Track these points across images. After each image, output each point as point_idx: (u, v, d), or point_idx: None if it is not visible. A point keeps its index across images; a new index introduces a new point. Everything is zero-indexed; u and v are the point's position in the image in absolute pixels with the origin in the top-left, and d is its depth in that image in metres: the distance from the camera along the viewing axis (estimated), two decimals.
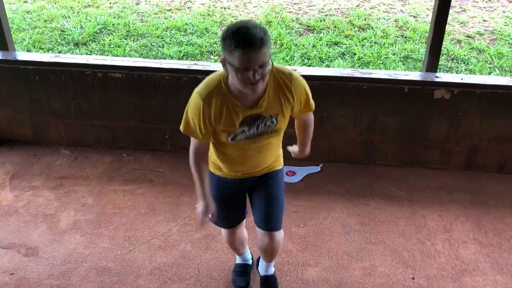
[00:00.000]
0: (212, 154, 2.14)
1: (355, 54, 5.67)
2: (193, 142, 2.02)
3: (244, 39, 1.66)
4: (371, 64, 5.48)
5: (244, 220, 2.39)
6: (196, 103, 1.88)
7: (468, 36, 6.17)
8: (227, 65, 1.75)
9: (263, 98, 1.89)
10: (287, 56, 5.61)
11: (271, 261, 2.50)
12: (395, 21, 6.60)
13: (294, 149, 2.38)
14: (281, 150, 2.24)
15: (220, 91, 1.86)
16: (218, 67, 3.68)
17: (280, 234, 2.26)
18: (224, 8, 7.08)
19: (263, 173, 2.18)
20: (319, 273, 2.69)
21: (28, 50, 5.76)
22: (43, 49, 5.84)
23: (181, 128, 1.98)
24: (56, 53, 5.59)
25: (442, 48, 3.75)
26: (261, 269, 2.57)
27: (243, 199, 2.29)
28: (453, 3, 6.61)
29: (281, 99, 1.92)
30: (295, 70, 3.43)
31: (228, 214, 2.29)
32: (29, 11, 6.91)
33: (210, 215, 2.10)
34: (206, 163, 2.09)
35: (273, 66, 1.83)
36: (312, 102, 2.07)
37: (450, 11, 3.74)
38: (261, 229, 2.22)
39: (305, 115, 2.14)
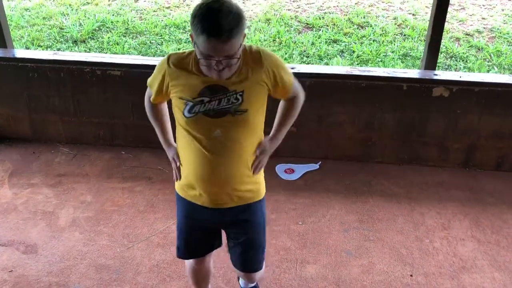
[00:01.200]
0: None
1: (354, 51, 5.67)
2: (148, 92, 1.96)
3: (210, 28, 1.49)
4: (370, 61, 5.49)
5: (212, 252, 2.08)
6: (162, 61, 1.78)
7: (467, 34, 6.18)
8: (195, 42, 1.59)
9: (235, 74, 1.68)
10: (286, 53, 5.61)
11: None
12: (394, 19, 6.60)
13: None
14: (262, 173, 1.91)
15: (189, 58, 1.71)
16: None
17: (260, 272, 2.06)
18: None
19: (237, 203, 1.84)
20: (318, 270, 2.69)
21: (27, 48, 5.75)
22: (41, 46, 5.83)
23: (148, 80, 1.91)
24: (54, 50, 5.59)
25: (441, 46, 3.75)
26: (242, 282, 2.36)
27: (215, 233, 2.00)
28: (452, 1, 6.61)
29: (252, 77, 1.69)
30: (293, 68, 3.44)
31: (193, 244, 2.00)
32: (27, 9, 6.90)
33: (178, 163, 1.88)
34: (163, 113, 1.99)
35: (246, 45, 1.68)
36: (288, 80, 1.79)
37: (449, 9, 3.75)
38: (238, 270, 2.04)
39: (285, 96, 1.86)
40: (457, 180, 3.49)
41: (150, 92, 1.92)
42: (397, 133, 3.54)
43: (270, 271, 2.66)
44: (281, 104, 1.95)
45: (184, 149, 1.81)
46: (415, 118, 3.50)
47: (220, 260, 2.74)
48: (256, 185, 1.88)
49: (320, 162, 3.66)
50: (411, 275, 2.68)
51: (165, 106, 1.99)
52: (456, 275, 2.69)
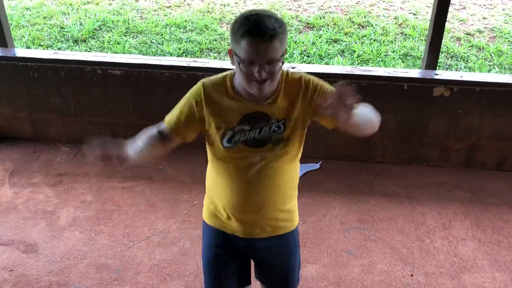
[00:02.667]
0: (208, 194, 1.79)
1: (354, 51, 5.66)
2: (159, 126, 1.72)
3: (253, 28, 1.42)
4: (370, 61, 5.48)
5: None
6: (195, 88, 1.64)
7: (467, 34, 6.17)
8: (234, 56, 1.50)
9: (273, 97, 1.59)
10: (286, 53, 5.60)
11: None
12: (395, 18, 6.60)
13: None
14: (296, 203, 1.80)
15: (225, 83, 1.62)
16: (217, 64, 3.68)
17: None
18: (224, 5, 7.06)
19: (270, 234, 1.73)
20: (318, 270, 2.69)
21: (28, 47, 5.75)
22: (42, 46, 5.83)
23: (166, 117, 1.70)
24: (55, 50, 5.59)
25: (442, 45, 3.75)
26: None
27: (245, 268, 1.82)
28: (453, 0, 6.60)
29: (292, 103, 1.60)
30: (294, 67, 3.44)
31: (222, 277, 1.80)
32: (28, 8, 6.90)
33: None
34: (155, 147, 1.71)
35: (286, 70, 1.60)
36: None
37: (450, 9, 3.74)
38: None
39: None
40: (458, 180, 3.48)
41: (162, 125, 1.70)
42: (398, 133, 3.54)
43: None
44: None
45: (218, 176, 1.70)
46: (416, 118, 3.49)
47: None
48: (290, 214, 1.77)
49: (320, 162, 3.66)
50: (411, 275, 2.68)
51: (164, 145, 1.73)
52: (456, 275, 2.69)
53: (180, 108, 1.67)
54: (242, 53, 1.46)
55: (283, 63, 1.52)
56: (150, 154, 1.73)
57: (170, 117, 1.70)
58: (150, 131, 1.74)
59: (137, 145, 1.69)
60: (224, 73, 1.65)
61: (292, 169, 1.72)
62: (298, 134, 1.66)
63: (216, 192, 1.74)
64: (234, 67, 1.56)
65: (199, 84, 1.64)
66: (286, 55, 5.52)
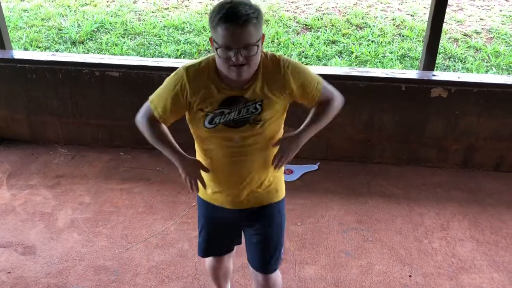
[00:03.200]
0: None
1: (352, 52, 5.67)
2: (146, 109, 1.85)
3: (227, 14, 1.51)
4: (368, 62, 5.49)
5: (233, 252, 2.15)
6: (178, 73, 1.73)
7: (465, 35, 6.19)
8: (213, 43, 1.59)
9: (251, 82, 1.68)
10: (284, 54, 5.61)
11: None
12: (393, 19, 6.61)
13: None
14: (282, 177, 1.94)
15: (206, 69, 1.69)
16: None
17: (275, 276, 2.02)
18: None
19: (256, 204, 1.87)
20: (317, 271, 2.69)
21: (25, 49, 5.75)
22: (40, 47, 5.83)
23: (150, 97, 1.83)
24: (53, 51, 5.58)
25: (439, 46, 3.76)
26: None
27: (234, 231, 2.04)
28: (450, 1, 6.61)
29: (270, 85, 1.69)
30: None
31: (214, 242, 2.05)
32: (26, 10, 6.90)
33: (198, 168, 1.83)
34: (163, 128, 1.85)
35: (265, 53, 1.69)
36: (312, 82, 1.75)
37: (447, 10, 3.75)
38: (254, 269, 2.01)
39: (316, 101, 1.80)
40: (456, 180, 3.49)
41: (149, 110, 1.83)
42: (395, 133, 3.55)
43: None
44: (315, 107, 1.87)
45: (203, 154, 1.83)
46: (414, 119, 3.50)
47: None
48: (273, 186, 1.89)
49: (319, 163, 3.66)
50: (410, 276, 2.68)
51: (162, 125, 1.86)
52: (455, 275, 2.69)
53: (166, 97, 1.76)
54: (219, 38, 1.54)
55: (260, 48, 1.59)
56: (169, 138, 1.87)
57: (156, 104, 1.80)
58: (150, 129, 1.86)
59: (172, 150, 1.85)
60: (205, 57, 1.72)
61: (268, 149, 1.80)
62: (276, 115, 1.75)
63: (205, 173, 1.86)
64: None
65: (182, 70, 1.71)
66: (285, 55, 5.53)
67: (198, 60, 1.73)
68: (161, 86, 1.80)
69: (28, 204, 3.20)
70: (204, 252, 2.08)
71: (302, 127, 1.85)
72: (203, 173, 1.83)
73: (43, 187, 3.37)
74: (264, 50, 1.70)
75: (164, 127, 1.86)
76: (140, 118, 1.88)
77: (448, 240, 2.95)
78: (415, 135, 3.54)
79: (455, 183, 3.46)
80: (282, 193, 1.94)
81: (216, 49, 1.57)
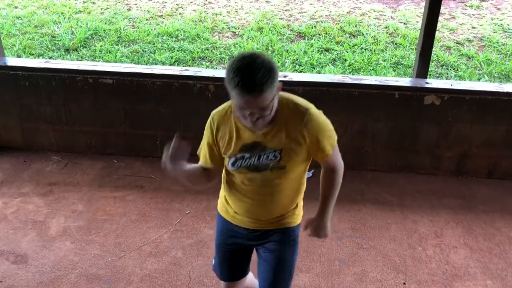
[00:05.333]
0: (222, 193, 2.00)
1: (346, 60, 5.70)
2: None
3: (242, 83, 1.54)
4: (362, 70, 5.52)
5: (247, 276, 2.16)
6: (209, 120, 1.84)
7: (457, 43, 6.24)
8: (230, 95, 1.64)
9: (270, 127, 1.72)
10: (278, 62, 5.63)
11: None
12: (386, 27, 6.66)
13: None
14: (301, 202, 1.99)
15: (229, 113, 1.78)
16: (209, 72, 3.68)
17: None
18: (216, 14, 7.09)
19: (275, 227, 1.93)
20: (311, 279, 2.68)
21: (18, 56, 5.73)
22: (33, 54, 5.81)
23: (198, 151, 1.92)
24: (46, 58, 5.56)
25: (432, 54, 3.78)
26: None
27: (248, 254, 2.07)
28: (442, 10, 6.68)
29: (288, 136, 1.73)
30: (285, 76, 3.45)
31: (229, 266, 2.10)
32: (19, 17, 6.88)
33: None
34: (201, 173, 1.94)
35: (289, 99, 1.74)
36: (327, 147, 1.80)
37: (440, 18, 3.78)
38: None
39: (323, 162, 1.89)
40: (450, 188, 3.50)
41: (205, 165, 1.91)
42: (389, 141, 3.56)
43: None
44: (322, 179, 1.96)
45: (228, 183, 1.91)
46: (407, 126, 3.51)
47: (212, 269, 2.72)
48: (292, 212, 1.95)
49: (313, 170, 3.66)
50: (404, 283, 2.68)
51: (211, 174, 1.96)
52: (449, 282, 2.69)
53: (207, 143, 1.86)
54: (235, 100, 1.60)
55: (274, 101, 1.63)
56: (195, 177, 1.94)
57: (202, 153, 1.90)
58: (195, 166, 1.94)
59: (192, 167, 1.89)
60: (228, 103, 1.79)
61: (296, 183, 1.88)
62: (298, 163, 1.80)
63: (226, 193, 1.95)
64: None
65: (210, 116, 1.83)
66: (278, 64, 5.55)
67: (223, 106, 1.82)
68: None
69: (20, 212, 3.17)
70: (218, 273, 2.14)
71: (320, 208, 1.97)
72: (228, 197, 1.94)
73: (35, 195, 3.35)
74: (293, 97, 1.76)
75: (202, 175, 1.94)
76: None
77: (442, 247, 2.95)
78: (409, 142, 3.55)
79: (448, 190, 3.47)
80: (300, 217, 2.00)
81: (233, 103, 1.63)
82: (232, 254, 2.04)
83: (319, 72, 5.45)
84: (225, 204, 1.98)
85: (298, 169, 1.82)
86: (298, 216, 1.99)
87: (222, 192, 2.00)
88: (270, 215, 1.90)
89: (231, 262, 2.08)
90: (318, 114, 1.77)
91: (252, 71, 1.55)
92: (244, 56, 1.59)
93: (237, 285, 2.15)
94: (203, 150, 1.89)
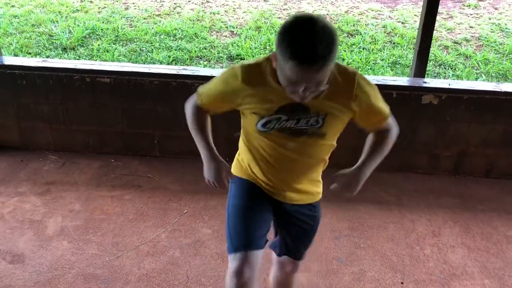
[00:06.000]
0: (242, 155, 1.80)
1: (344, 59, 5.70)
2: (195, 101, 1.76)
3: (302, 55, 1.31)
4: (359, 69, 5.52)
5: (262, 253, 1.79)
6: (232, 71, 1.58)
7: (455, 42, 6.24)
8: (278, 65, 1.42)
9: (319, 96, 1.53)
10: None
11: None
12: (384, 27, 6.66)
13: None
14: (320, 175, 1.87)
15: (264, 70, 1.53)
16: (207, 71, 3.68)
17: (299, 265, 2.02)
18: (214, 13, 7.08)
19: (299, 201, 1.80)
20: (309, 279, 2.68)
21: (15, 55, 5.71)
22: (30, 53, 5.79)
23: (201, 87, 1.72)
24: (43, 57, 5.54)
25: (430, 54, 3.78)
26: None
27: (269, 212, 1.83)
28: (440, 9, 6.67)
29: (338, 103, 1.56)
30: None
31: (256, 228, 1.75)
32: (16, 16, 6.85)
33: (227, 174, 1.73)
34: (207, 120, 1.77)
35: (339, 65, 1.54)
36: (384, 108, 1.68)
37: (438, 18, 3.79)
38: (286, 257, 1.96)
39: (375, 129, 1.75)
40: (447, 187, 3.50)
41: (197, 102, 1.75)
42: None
43: (261, 279, 2.64)
44: (371, 137, 1.81)
45: (251, 148, 1.72)
46: (404, 126, 3.50)
47: (210, 269, 2.72)
48: (318, 185, 1.86)
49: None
50: (402, 283, 2.68)
51: (208, 115, 1.79)
52: (446, 282, 2.70)
53: (215, 92, 1.66)
54: (288, 72, 1.37)
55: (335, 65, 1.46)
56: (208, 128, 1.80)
57: (206, 95, 1.71)
58: (194, 114, 1.78)
59: (206, 143, 1.75)
60: (262, 58, 1.57)
61: (325, 154, 1.75)
62: (338, 130, 1.68)
63: (248, 160, 1.77)
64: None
65: (237, 68, 1.57)
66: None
67: (254, 60, 1.59)
68: (212, 80, 1.68)
69: (17, 212, 3.16)
70: (246, 241, 1.71)
71: (361, 160, 1.77)
72: (250, 163, 1.75)
73: (32, 194, 3.34)
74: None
75: (209, 121, 1.79)
76: (187, 105, 1.82)
77: (440, 246, 2.95)
78: (406, 141, 3.55)
79: (446, 190, 3.47)
80: (321, 192, 1.90)
81: (284, 76, 1.41)
82: (258, 214, 1.78)
83: None
84: (245, 167, 1.78)
85: (335, 137, 1.68)
86: (320, 191, 1.88)
87: (241, 157, 1.79)
88: (292, 184, 1.74)
89: (258, 224, 1.76)
90: (364, 77, 1.62)
91: (313, 41, 1.31)
92: (303, 20, 1.34)
93: (256, 260, 1.74)
94: (209, 93, 1.67)
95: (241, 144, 1.78)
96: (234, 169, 1.83)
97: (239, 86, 1.56)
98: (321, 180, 1.88)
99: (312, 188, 1.83)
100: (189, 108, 1.79)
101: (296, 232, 1.91)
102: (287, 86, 1.43)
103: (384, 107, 1.69)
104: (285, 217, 1.87)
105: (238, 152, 1.84)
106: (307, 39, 1.31)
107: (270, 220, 1.85)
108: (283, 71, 1.40)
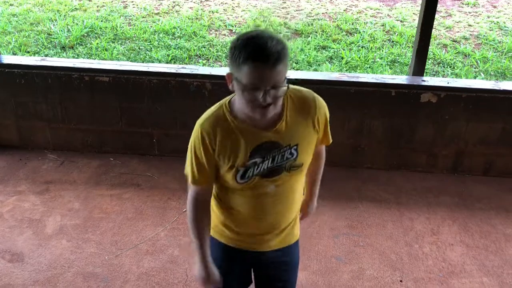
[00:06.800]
0: (216, 215, 1.74)
1: (342, 58, 5.70)
2: (193, 189, 1.65)
3: (256, 52, 1.35)
4: (358, 68, 5.52)
5: None
6: (196, 135, 1.55)
7: (453, 41, 6.25)
8: (234, 81, 1.42)
9: (281, 120, 1.53)
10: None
11: None
12: (382, 25, 6.66)
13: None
14: (298, 213, 1.82)
15: (223, 117, 1.53)
16: (206, 70, 3.68)
17: None
18: (212, 12, 7.08)
19: (279, 246, 1.74)
20: (308, 277, 2.69)
21: (14, 54, 5.70)
22: (29, 52, 5.78)
23: (185, 170, 1.64)
24: (42, 56, 5.54)
25: (429, 52, 3.79)
26: None
27: (246, 275, 1.86)
28: (439, 8, 6.69)
29: (303, 126, 1.56)
30: None
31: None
32: (15, 14, 6.84)
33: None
34: (209, 218, 1.70)
35: (289, 87, 1.52)
36: (329, 132, 1.70)
37: (436, 16, 3.79)
38: None
39: (318, 147, 1.75)
40: (446, 185, 3.51)
41: (194, 187, 1.64)
42: (385, 139, 3.56)
43: None
44: (311, 164, 1.76)
45: (230, 206, 1.67)
46: (403, 124, 3.52)
47: None
48: (294, 223, 1.79)
49: None
50: (401, 281, 2.69)
51: (209, 213, 1.71)
52: (445, 280, 2.70)
53: (205, 162, 1.58)
54: (245, 78, 1.38)
55: (287, 85, 1.45)
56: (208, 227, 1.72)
57: (202, 175, 1.61)
58: (196, 210, 1.67)
59: (201, 245, 1.68)
60: (217, 106, 1.57)
61: (301, 184, 1.72)
62: (310, 156, 1.64)
63: (226, 219, 1.71)
64: (232, 93, 1.50)
65: (198, 129, 1.55)
66: None
67: (210, 112, 1.56)
68: (189, 155, 1.62)
69: (16, 211, 3.16)
70: None
71: (309, 194, 1.95)
72: (230, 223, 1.70)
73: (31, 193, 3.33)
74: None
75: (209, 219, 1.71)
76: (189, 204, 1.68)
77: (439, 244, 2.96)
78: (405, 140, 3.56)
79: (444, 188, 3.48)
80: (298, 231, 1.85)
81: (241, 90, 1.40)
82: (234, 276, 1.81)
83: (316, 70, 5.45)
84: (219, 229, 1.74)
85: (308, 161, 1.65)
86: (298, 228, 1.83)
87: (217, 220, 1.74)
88: (275, 227, 1.69)
89: (233, 283, 1.82)
90: (319, 98, 1.64)
91: (264, 40, 1.36)
92: (250, 31, 1.42)
93: None
94: (201, 170, 1.58)
95: (217, 207, 1.73)
96: (213, 231, 1.77)
97: (210, 144, 1.54)
98: (296, 218, 1.80)
99: (289, 226, 1.75)
100: (190, 205, 1.68)
101: (273, 283, 1.87)
102: (245, 101, 1.43)
103: (329, 133, 1.73)
104: (262, 270, 1.86)
105: (212, 209, 1.75)
106: (258, 41, 1.37)
107: (250, 278, 1.87)
108: (239, 83, 1.40)
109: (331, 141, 1.74)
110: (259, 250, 1.74)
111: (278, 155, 1.55)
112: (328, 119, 1.67)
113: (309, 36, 6.27)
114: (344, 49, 5.89)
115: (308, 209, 1.97)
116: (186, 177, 1.65)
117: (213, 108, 1.57)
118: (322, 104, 1.63)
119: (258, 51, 1.35)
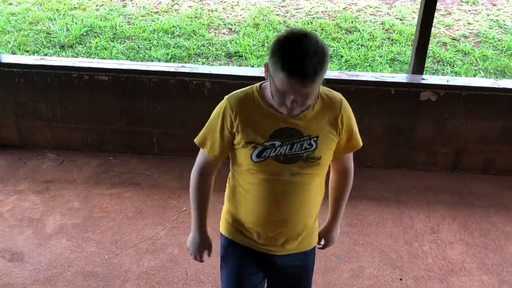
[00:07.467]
0: (228, 205, 1.73)
1: (342, 56, 5.69)
2: (200, 158, 1.68)
3: (293, 67, 1.36)
4: (358, 66, 5.52)
5: None
6: (220, 105, 1.59)
7: (453, 39, 6.24)
8: (269, 75, 1.46)
9: (307, 111, 1.55)
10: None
11: None
12: (382, 23, 6.65)
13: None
14: (317, 220, 1.80)
15: (252, 96, 1.57)
16: (205, 69, 3.67)
17: None
18: (212, 10, 7.07)
19: (294, 250, 1.71)
20: None
21: (13, 53, 5.69)
22: (28, 51, 5.77)
23: (196, 138, 1.66)
24: (41, 55, 5.53)
25: (428, 50, 3.78)
26: None
27: (262, 279, 1.82)
28: (438, 6, 6.68)
29: (326, 122, 1.58)
30: None
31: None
32: (14, 13, 6.84)
33: (206, 254, 1.75)
34: (209, 191, 1.72)
35: (323, 88, 1.59)
36: (359, 137, 1.70)
37: (436, 14, 3.79)
38: None
39: (345, 157, 1.76)
40: (445, 184, 3.51)
41: (203, 157, 1.67)
42: (385, 137, 3.56)
43: None
44: (335, 182, 1.82)
45: (244, 190, 1.66)
46: (403, 122, 3.52)
47: (208, 266, 2.72)
48: (313, 230, 1.77)
49: None
50: (400, 279, 2.69)
51: (211, 187, 1.73)
52: (445, 278, 2.70)
53: (219, 131, 1.60)
54: (279, 83, 1.41)
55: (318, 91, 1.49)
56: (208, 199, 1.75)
57: (211, 145, 1.63)
58: (199, 180, 1.71)
59: (200, 214, 1.73)
60: (249, 87, 1.61)
61: (320, 186, 1.69)
62: (329, 153, 1.63)
63: (240, 207, 1.70)
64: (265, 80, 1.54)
65: (225, 101, 1.59)
66: None
67: (243, 90, 1.61)
68: (206, 124, 1.64)
69: (16, 210, 3.16)
70: None
71: (333, 214, 1.86)
72: (242, 212, 1.69)
73: (31, 193, 3.33)
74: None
75: (212, 187, 1.73)
76: (194, 173, 1.71)
77: (438, 243, 2.96)
78: (405, 138, 3.56)
79: (444, 186, 3.48)
80: (316, 238, 1.82)
81: (274, 87, 1.44)
82: (251, 280, 1.78)
83: None
84: (236, 225, 1.72)
85: (328, 162, 1.65)
86: (315, 236, 1.79)
87: (229, 210, 1.74)
88: (288, 223, 1.65)
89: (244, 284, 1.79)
90: (347, 104, 1.67)
91: (305, 56, 1.36)
92: (297, 35, 1.39)
93: None
94: (211, 140, 1.61)
95: (230, 193, 1.73)
96: (222, 227, 1.78)
97: (229, 116, 1.57)
98: (316, 227, 1.79)
99: (306, 231, 1.73)
100: (194, 178, 1.71)
101: (290, 285, 1.83)
102: (275, 97, 1.47)
103: (359, 137, 1.72)
104: (275, 275, 1.82)
105: (225, 204, 1.77)
106: (299, 53, 1.37)
107: (262, 280, 1.83)
108: (273, 81, 1.44)
109: (361, 144, 1.73)
110: (274, 253, 1.71)
111: (297, 143, 1.56)
112: (354, 123, 1.68)
113: None
114: (343, 48, 5.89)
115: (330, 234, 1.86)
116: (198, 144, 1.67)
117: (245, 88, 1.61)
118: (347, 106, 1.66)
119: (296, 66, 1.36)
